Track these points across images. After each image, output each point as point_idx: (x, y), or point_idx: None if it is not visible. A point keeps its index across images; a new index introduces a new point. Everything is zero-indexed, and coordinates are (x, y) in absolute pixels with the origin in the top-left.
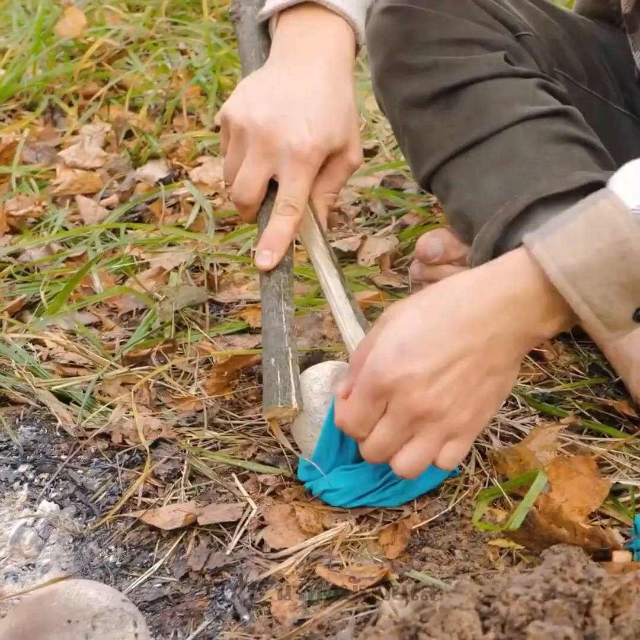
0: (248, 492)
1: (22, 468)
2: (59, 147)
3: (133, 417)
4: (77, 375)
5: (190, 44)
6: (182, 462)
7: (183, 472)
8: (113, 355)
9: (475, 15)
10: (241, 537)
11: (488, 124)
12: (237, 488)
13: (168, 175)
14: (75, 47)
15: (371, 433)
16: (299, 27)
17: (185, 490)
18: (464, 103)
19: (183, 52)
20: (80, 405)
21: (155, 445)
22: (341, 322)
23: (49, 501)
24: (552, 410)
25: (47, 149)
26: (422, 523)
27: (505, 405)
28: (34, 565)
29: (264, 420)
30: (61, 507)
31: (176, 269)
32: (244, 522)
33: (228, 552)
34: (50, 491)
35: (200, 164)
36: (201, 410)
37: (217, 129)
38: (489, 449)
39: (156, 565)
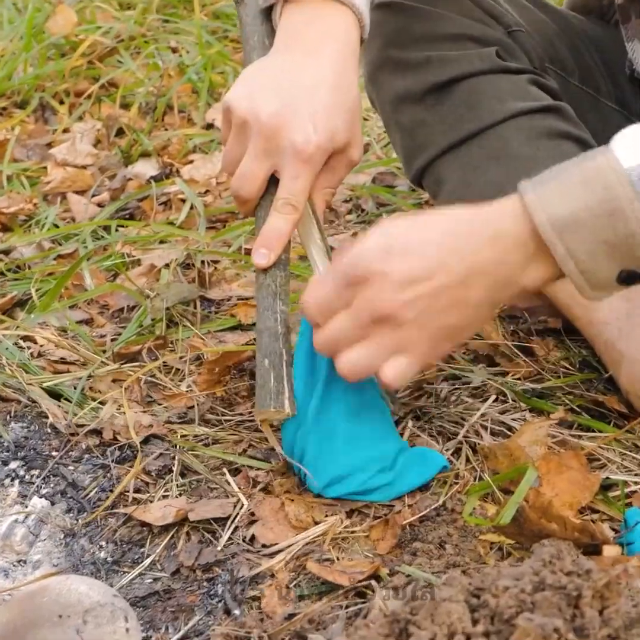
0: (239, 488)
1: (13, 465)
2: (50, 145)
3: (124, 413)
4: (68, 371)
5: (182, 42)
6: (173, 458)
7: (174, 468)
8: (104, 352)
9: (467, 11)
10: (232, 533)
11: (480, 120)
12: (228, 483)
13: (159, 172)
14: (66, 44)
15: (328, 322)
16: (304, 15)
17: (177, 486)
18: (456, 99)
19: (174, 50)
20: (71, 402)
21: (146, 441)
22: None
23: (40, 497)
24: (542, 405)
25: (38, 146)
26: (413, 518)
27: (495, 400)
28: (25, 561)
29: (254, 417)
30: (52, 503)
31: (167, 266)
32: (234, 518)
33: (219, 548)
34: (41, 487)
35: (191, 162)
36: (192, 407)
37: (208, 126)
38: (479, 444)
39: (147, 561)
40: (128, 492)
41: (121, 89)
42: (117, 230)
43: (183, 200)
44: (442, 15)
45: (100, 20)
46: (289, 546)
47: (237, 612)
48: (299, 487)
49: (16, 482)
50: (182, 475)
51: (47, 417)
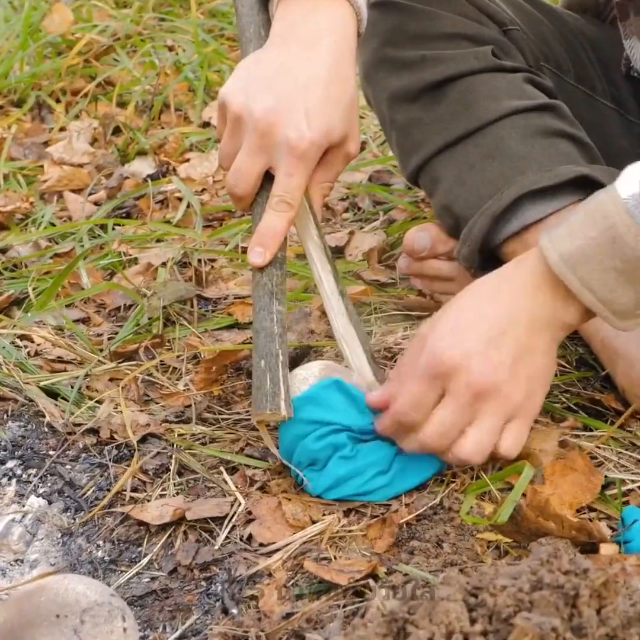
0: (236, 486)
1: (10, 464)
2: (46, 144)
3: (121, 412)
4: (65, 370)
5: (178, 40)
6: (170, 456)
7: (171, 467)
8: (101, 350)
9: (462, 10)
10: (229, 532)
11: (475, 118)
12: (225, 482)
13: (156, 171)
14: (63, 43)
15: (432, 417)
16: (301, 7)
17: (174, 485)
18: (451, 97)
19: (170, 48)
20: (68, 401)
21: (143, 440)
22: (333, 318)
23: (37, 496)
24: (559, 412)
25: (34, 145)
26: (410, 517)
27: None
28: (22, 561)
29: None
30: (49, 503)
31: (164, 264)
32: (232, 517)
33: (216, 547)
34: (38, 486)
35: (188, 160)
36: (189, 406)
37: (205, 125)
38: None
39: (144, 560)
40: (125, 491)
41: (117, 87)
42: (113, 228)
43: (180, 199)
44: (438, 14)
45: (96, 18)
46: (287, 545)
47: (234, 611)
48: (296, 486)
49: (13, 481)
50: (179, 474)
51: (44, 416)
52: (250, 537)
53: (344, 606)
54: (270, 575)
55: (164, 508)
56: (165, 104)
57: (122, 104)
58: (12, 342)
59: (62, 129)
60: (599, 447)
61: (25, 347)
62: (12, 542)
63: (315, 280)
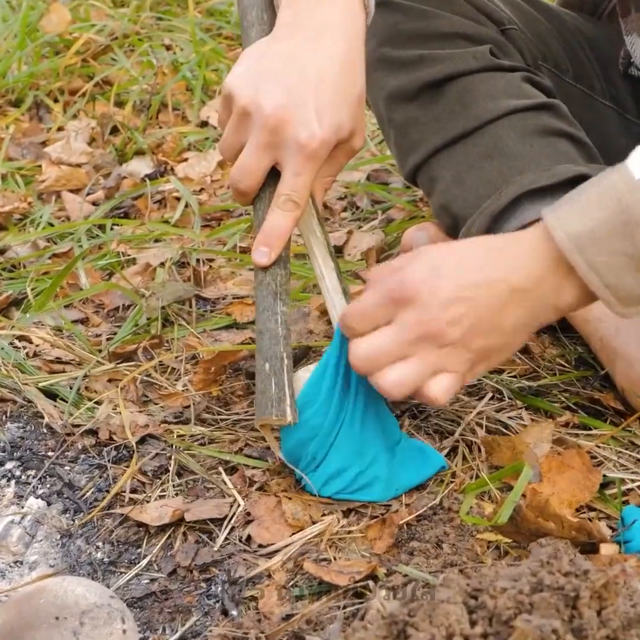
0: (235, 487)
1: (9, 465)
2: (44, 143)
3: (120, 413)
4: (64, 371)
5: (175, 40)
6: (170, 457)
7: (170, 468)
8: (100, 351)
9: (460, 9)
10: (229, 533)
11: (474, 118)
12: (225, 483)
13: (154, 171)
14: (60, 43)
15: (370, 336)
16: None
17: (173, 486)
18: (449, 97)
19: (168, 48)
20: (67, 402)
21: (142, 441)
22: (334, 317)
23: (36, 498)
24: (538, 403)
25: (32, 145)
26: (410, 517)
27: (491, 398)
28: (21, 562)
29: (251, 415)
30: (48, 504)
31: (162, 264)
32: (231, 518)
33: (216, 548)
34: (37, 488)
35: (186, 160)
36: (188, 406)
37: (202, 124)
38: (475, 442)
39: (144, 562)
40: (124, 492)
41: (115, 87)
42: (112, 228)
43: (178, 199)
44: (436, 14)
45: (94, 18)
46: (286, 546)
47: (234, 612)
48: (296, 486)
49: (12, 482)
50: (179, 475)
51: (43, 417)
52: (249, 538)
53: (344, 607)
54: (269, 576)
55: (163, 509)
56: (163, 104)
57: (119, 104)
58: (11, 343)
59: (60, 129)
60: (598, 446)
61: (24, 348)
62: (11, 543)
63: (316, 277)
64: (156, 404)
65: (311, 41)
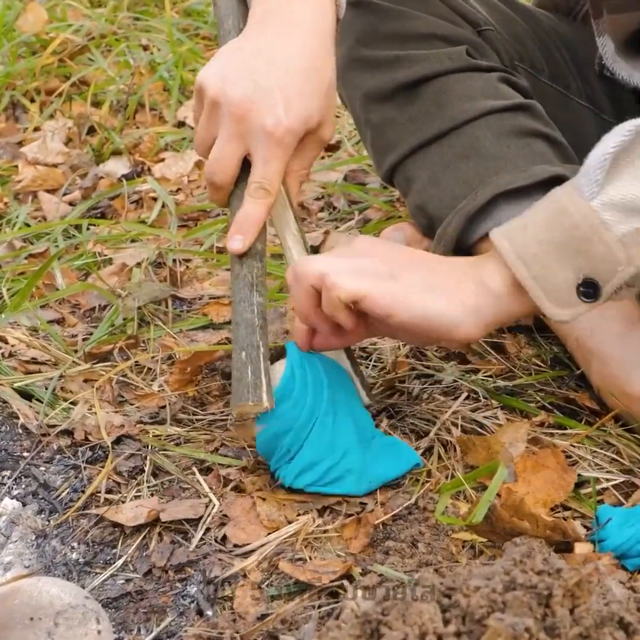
0: (210, 488)
1: None
2: (20, 144)
3: (95, 413)
4: (40, 372)
5: (153, 40)
6: (145, 458)
7: (146, 468)
8: (75, 351)
9: (436, 10)
10: (204, 533)
11: (450, 118)
12: (200, 483)
13: (131, 171)
14: (37, 42)
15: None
16: None
17: (148, 487)
18: (425, 97)
19: (145, 48)
20: (42, 402)
21: (117, 441)
22: None
23: (11, 498)
24: (514, 403)
25: (8, 145)
26: (385, 517)
27: (467, 397)
28: None
29: (227, 415)
30: (23, 505)
31: (139, 265)
32: (206, 518)
33: (191, 548)
34: (12, 488)
35: (163, 160)
36: (164, 406)
37: (180, 124)
38: (451, 442)
39: (119, 562)
40: (100, 492)
41: (92, 87)
42: (88, 229)
43: (154, 199)
44: (412, 15)
45: (71, 18)
46: (262, 546)
47: (209, 612)
48: (271, 485)
49: None
50: (154, 475)
51: (18, 418)
52: (225, 538)
53: (319, 607)
54: (245, 576)
55: (138, 509)
56: (140, 104)
57: (96, 104)
58: None
59: (36, 129)
60: (573, 446)
61: None
62: None
63: None
64: (132, 404)
65: (280, 38)
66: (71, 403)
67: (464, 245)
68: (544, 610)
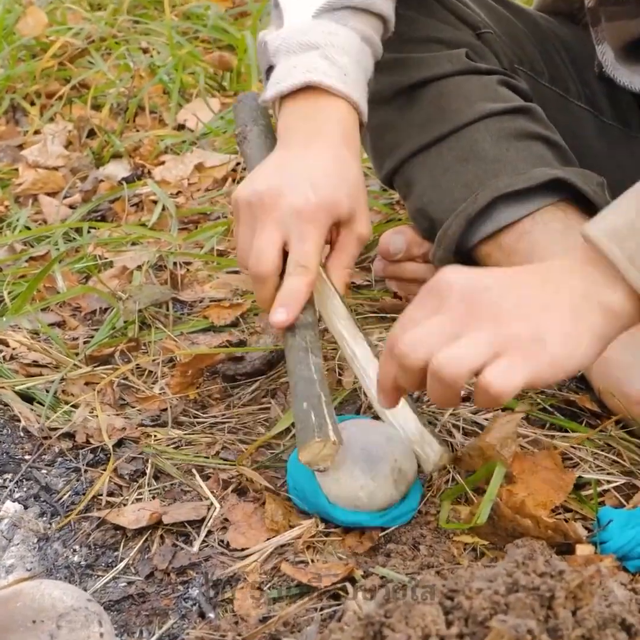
0: (212, 491)
1: None
2: (21, 147)
3: (97, 416)
4: (41, 374)
5: (152, 43)
6: (146, 461)
7: (147, 471)
8: (77, 354)
9: (435, 14)
10: (206, 536)
11: (450, 121)
12: (201, 486)
13: (131, 174)
14: (37, 46)
15: (419, 325)
16: (301, 112)
17: (150, 489)
18: (425, 100)
19: (145, 51)
20: (43, 405)
21: (119, 444)
22: (370, 387)
23: (13, 501)
24: (513, 404)
25: (9, 148)
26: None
27: (467, 399)
28: None
29: (228, 418)
30: (25, 507)
31: (139, 267)
32: (208, 521)
33: (193, 551)
34: (14, 491)
35: (163, 163)
36: (165, 409)
37: (179, 127)
38: (451, 443)
39: (121, 565)
40: (101, 495)
41: (92, 90)
42: (88, 232)
43: (155, 202)
44: (412, 19)
45: (70, 21)
46: (264, 548)
47: (211, 615)
48: (275, 489)
49: None
50: (156, 478)
51: (19, 421)
52: (227, 540)
53: (321, 609)
54: (247, 578)
55: (140, 512)
56: (140, 107)
57: (96, 107)
58: None
59: (36, 132)
60: (574, 448)
61: (1, 351)
62: None
63: (347, 358)
64: (133, 407)
65: (301, 149)
66: (72, 406)
67: (464, 247)
68: (546, 612)
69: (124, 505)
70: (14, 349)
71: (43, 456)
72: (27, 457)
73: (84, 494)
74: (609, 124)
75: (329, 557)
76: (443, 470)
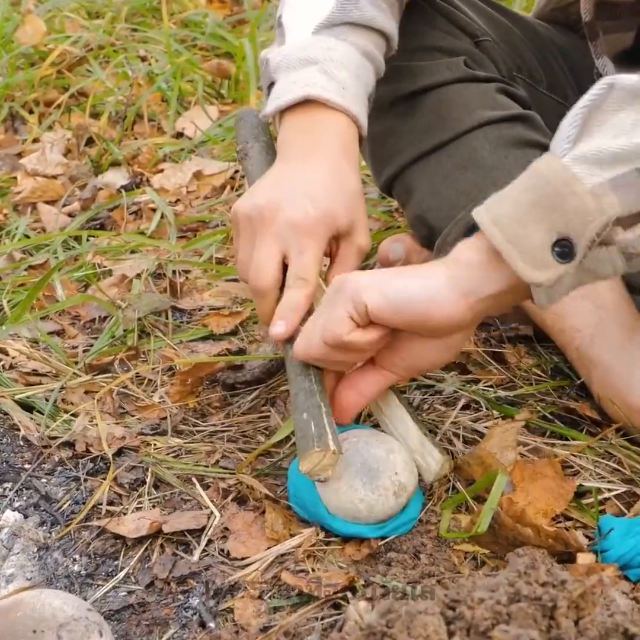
0: (212, 500)
1: None
2: (19, 155)
3: (96, 425)
4: (40, 383)
5: (151, 51)
6: (146, 469)
7: (147, 480)
8: (76, 363)
9: (433, 22)
10: (206, 545)
11: (449, 129)
12: (201, 496)
13: (129, 182)
14: (36, 54)
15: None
16: (299, 125)
17: (150, 498)
18: (424, 108)
19: (143, 59)
20: (43, 414)
21: (119, 453)
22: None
23: (13, 511)
24: (514, 412)
25: (8, 156)
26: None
27: (467, 408)
28: None
29: (228, 426)
30: (25, 517)
31: (138, 276)
32: (208, 530)
33: (193, 560)
34: (14, 500)
35: (161, 171)
36: (165, 418)
37: (178, 135)
38: (452, 451)
39: (121, 574)
40: (101, 504)
41: (91, 98)
42: (87, 240)
43: (153, 210)
44: (411, 28)
45: (69, 29)
46: (264, 558)
47: (212, 624)
48: (274, 497)
49: None
50: (156, 487)
51: (19, 430)
52: (227, 549)
53: (322, 619)
54: (247, 588)
55: (140, 521)
56: (139, 115)
57: (95, 115)
58: None
59: (35, 140)
60: (574, 456)
61: (0, 360)
62: None
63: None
64: (133, 415)
65: (300, 162)
66: (72, 415)
67: None
68: (548, 621)
69: (124, 514)
70: (13, 357)
71: (43, 465)
72: (26, 466)
73: (83, 503)
74: None
75: (329, 566)
76: (443, 479)
